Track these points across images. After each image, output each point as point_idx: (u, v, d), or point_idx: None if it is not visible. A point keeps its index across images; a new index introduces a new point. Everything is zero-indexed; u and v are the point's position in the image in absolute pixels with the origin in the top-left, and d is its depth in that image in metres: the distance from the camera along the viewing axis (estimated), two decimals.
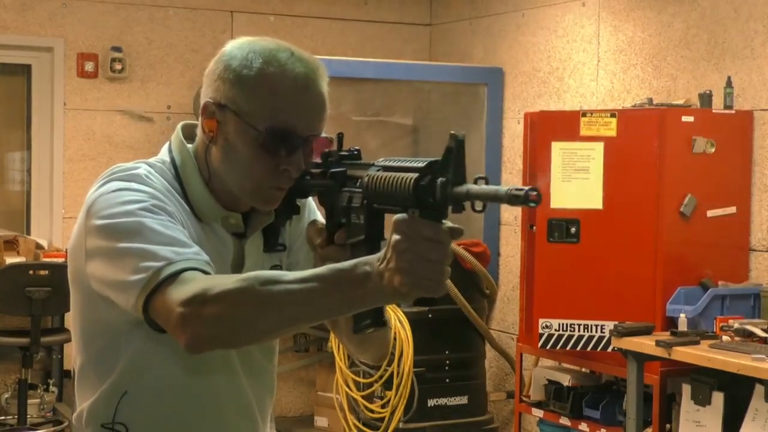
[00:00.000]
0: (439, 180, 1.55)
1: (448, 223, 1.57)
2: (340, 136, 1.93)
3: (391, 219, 1.60)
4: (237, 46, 1.92)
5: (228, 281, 1.67)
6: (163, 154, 2.00)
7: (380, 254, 1.57)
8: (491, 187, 1.50)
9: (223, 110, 1.90)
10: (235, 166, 1.91)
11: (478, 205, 1.53)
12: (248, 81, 1.88)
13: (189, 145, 1.98)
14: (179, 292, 1.70)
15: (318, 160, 1.92)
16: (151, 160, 1.98)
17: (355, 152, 1.91)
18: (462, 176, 1.54)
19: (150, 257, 1.76)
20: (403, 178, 1.61)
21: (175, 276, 1.73)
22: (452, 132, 1.54)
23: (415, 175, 1.58)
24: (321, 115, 1.91)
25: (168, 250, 1.77)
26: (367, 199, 1.76)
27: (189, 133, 2.01)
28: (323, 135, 1.92)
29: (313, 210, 2.11)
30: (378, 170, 1.72)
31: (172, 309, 1.69)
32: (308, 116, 1.89)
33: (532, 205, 1.44)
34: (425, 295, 1.55)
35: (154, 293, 1.73)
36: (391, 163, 1.70)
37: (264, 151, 1.88)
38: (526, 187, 1.44)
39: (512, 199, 1.46)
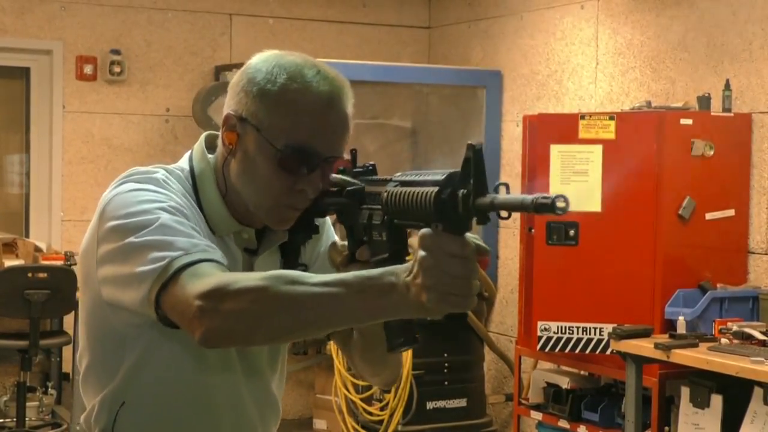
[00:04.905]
0: (461, 192, 1.51)
1: (474, 239, 1.54)
2: (354, 153, 1.90)
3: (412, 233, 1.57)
4: (263, 59, 1.89)
5: (250, 277, 1.65)
6: (183, 162, 1.97)
7: (407, 265, 1.54)
8: (517, 197, 1.45)
9: (244, 124, 1.86)
10: (251, 181, 1.88)
11: (503, 213, 1.49)
12: (271, 96, 1.84)
13: (210, 156, 1.96)
14: (197, 285, 1.67)
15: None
16: (170, 166, 1.95)
17: (370, 167, 1.88)
18: (484, 186, 1.50)
19: (165, 248, 1.74)
20: (423, 192, 1.58)
21: (190, 266, 1.71)
22: (469, 142, 1.51)
23: (435, 189, 1.55)
24: (343, 136, 1.88)
25: (184, 242, 1.75)
26: (388, 215, 1.73)
27: (211, 144, 1.98)
28: (343, 156, 1.89)
29: (331, 231, 2.09)
30: (396, 185, 1.68)
31: (190, 302, 1.66)
32: (329, 137, 1.86)
33: (559, 213, 1.40)
34: (453, 311, 1.54)
35: (168, 284, 1.71)
36: (409, 178, 1.67)
37: (281, 169, 1.85)
38: (553, 195, 1.41)
39: (539, 207, 1.42)
